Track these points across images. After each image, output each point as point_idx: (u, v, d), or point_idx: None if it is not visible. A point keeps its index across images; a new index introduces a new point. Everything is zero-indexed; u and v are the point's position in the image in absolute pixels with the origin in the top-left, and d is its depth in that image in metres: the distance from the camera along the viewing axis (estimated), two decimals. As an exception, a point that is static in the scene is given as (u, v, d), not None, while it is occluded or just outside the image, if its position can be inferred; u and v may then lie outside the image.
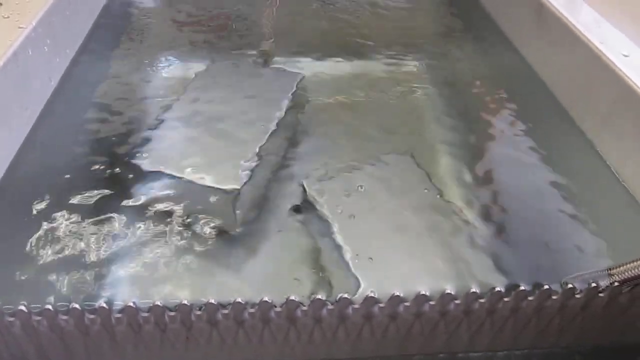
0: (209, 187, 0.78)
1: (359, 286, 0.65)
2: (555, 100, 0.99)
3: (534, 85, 1.04)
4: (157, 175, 0.80)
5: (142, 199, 0.76)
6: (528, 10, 1.11)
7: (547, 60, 1.04)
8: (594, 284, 0.55)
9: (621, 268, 0.55)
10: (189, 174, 0.80)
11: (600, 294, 0.56)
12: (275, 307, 0.53)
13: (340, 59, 1.12)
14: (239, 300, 0.52)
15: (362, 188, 0.79)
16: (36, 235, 0.69)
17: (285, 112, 0.95)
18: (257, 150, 0.85)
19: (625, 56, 0.84)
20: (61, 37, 1.03)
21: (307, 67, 1.09)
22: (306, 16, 1.31)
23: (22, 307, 0.51)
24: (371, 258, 0.68)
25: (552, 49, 1.02)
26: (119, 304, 0.58)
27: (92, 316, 0.52)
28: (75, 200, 0.75)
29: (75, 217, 0.72)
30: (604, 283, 0.56)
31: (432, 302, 0.54)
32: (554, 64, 1.02)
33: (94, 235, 0.70)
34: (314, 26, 1.27)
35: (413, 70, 1.10)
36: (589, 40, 0.90)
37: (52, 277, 0.64)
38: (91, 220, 0.72)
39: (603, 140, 0.86)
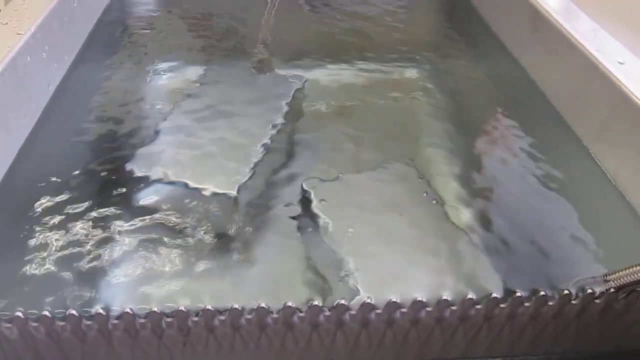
0: (206, 192, 0.78)
1: (356, 292, 0.65)
2: (551, 107, 0.99)
3: (531, 93, 1.04)
4: (155, 181, 0.80)
5: (140, 204, 0.76)
6: (525, 19, 1.12)
7: (543, 68, 1.05)
8: (589, 290, 0.55)
9: (617, 274, 0.56)
10: (186, 180, 0.80)
11: (596, 300, 0.56)
12: (272, 313, 0.53)
13: (338, 66, 1.13)
14: (236, 306, 0.52)
15: (360, 194, 0.79)
16: (33, 241, 0.69)
17: (283, 118, 0.95)
18: (255, 156, 0.86)
19: (621, 64, 0.85)
20: (60, 44, 1.03)
21: (305, 73, 1.09)
22: (304, 24, 1.32)
23: (19, 314, 0.51)
24: (369, 263, 0.68)
25: (548, 57, 1.03)
26: (116, 310, 0.58)
27: (89, 322, 0.52)
28: (72, 206, 0.75)
29: (72, 223, 0.72)
30: (599, 289, 0.56)
31: (428, 308, 0.54)
32: (550, 72, 1.02)
33: (91, 241, 0.70)
34: (312, 33, 1.28)
35: (410, 77, 1.11)
36: (585, 48, 0.90)
37: (48, 282, 0.64)
38: (88, 225, 0.72)
39: (599, 147, 0.86)
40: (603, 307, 0.56)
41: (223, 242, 0.71)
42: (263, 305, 0.52)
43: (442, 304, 0.54)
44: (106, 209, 0.74)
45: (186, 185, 0.80)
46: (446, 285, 0.66)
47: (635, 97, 0.78)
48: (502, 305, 0.55)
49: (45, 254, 0.67)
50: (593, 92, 0.88)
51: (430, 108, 1.01)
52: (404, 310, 0.54)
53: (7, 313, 0.52)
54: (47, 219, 0.72)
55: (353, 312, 0.54)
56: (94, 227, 0.72)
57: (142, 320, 0.52)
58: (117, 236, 0.71)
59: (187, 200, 0.77)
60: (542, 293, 0.54)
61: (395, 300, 0.53)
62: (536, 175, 0.84)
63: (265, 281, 0.66)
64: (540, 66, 1.06)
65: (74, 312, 0.51)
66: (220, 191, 0.79)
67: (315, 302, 0.53)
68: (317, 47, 1.21)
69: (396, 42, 1.23)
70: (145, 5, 1.36)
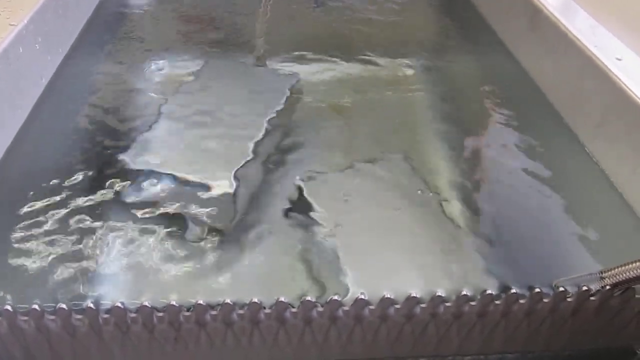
0: (202, 186, 0.78)
1: (349, 288, 0.64)
2: (549, 104, 0.99)
3: (529, 90, 1.04)
4: (149, 174, 0.80)
5: (134, 198, 0.75)
6: (524, 16, 1.11)
7: (541, 65, 1.04)
8: (585, 287, 0.55)
9: (613, 271, 0.55)
10: (182, 174, 0.80)
11: (592, 297, 0.55)
12: (265, 308, 0.52)
13: (334, 62, 1.12)
14: (228, 301, 0.51)
15: (355, 189, 0.79)
16: (24, 235, 0.68)
17: (280, 114, 0.94)
18: (251, 151, 0.85)
19: (619, 60, 0.84)
20: (53, 35, 1.02)
21: (302, 69, 1.09)
22: (301, 19, 1.31)
23: (8, 307, 0.50)
24: (363, 258, 0.68)
25: (546, 54, 1.02)
26: (106, 304, 0.57)
27: (79, 316, 0.51)
28: (65, 199, 0.74)
29: (65, 217, 0.71)
30: (595, 286, 0.56)
31: (422, 305, 0.53)
32: (548, 69, 1.02)
33: (83, 235, 0.69)
34: (309, 29, 1.27)
35: (408, 73, 1.10)
36: (582, 45, 0.90)
37: (39, 275, 0.63)
38: (81, 220, 0.71)
39: (597, 145, 0.86)
40: (599, 304, 0.56)
41: (217, 234, 0.70)
42: (255, 300, 0.51)
43: (436, 300, 0.53)
44: (99, 201, 0.74)
45: (181, 176, 0.79)
46: (441, 281, 0.66)
47: (633, 93, 0.77)
48: (496, 302, 0.54)
49: (33, 247, 0.67)
50: (590, 88, 0.87)
51: (427, 104, 1.00)
52: (398, 306, 0.53)
53: (-4, 307, 0.51)
54: (37, 212, 0.72)
55: (346, 308, 0.53)
56: (85, 220, 0.71)
57: (133, 315, 0.52)
58: (110, 228, 0.70)
59: (181, 192, 0.76)
60: (538, 290, 0.54)
61: (389, 296, 0.52)
62: (532, 171, 0.84)
63: (259, 275, 0.66)
64: (538, 62, 1.05)
65: (63, 305, 0.50)
66: (216, 183, 0.78)
67: (308, 298, 0.52)
68: (314, 43, 1.20)
69: (393, 38, 1.22)
70: (141, -3, 1.35)
